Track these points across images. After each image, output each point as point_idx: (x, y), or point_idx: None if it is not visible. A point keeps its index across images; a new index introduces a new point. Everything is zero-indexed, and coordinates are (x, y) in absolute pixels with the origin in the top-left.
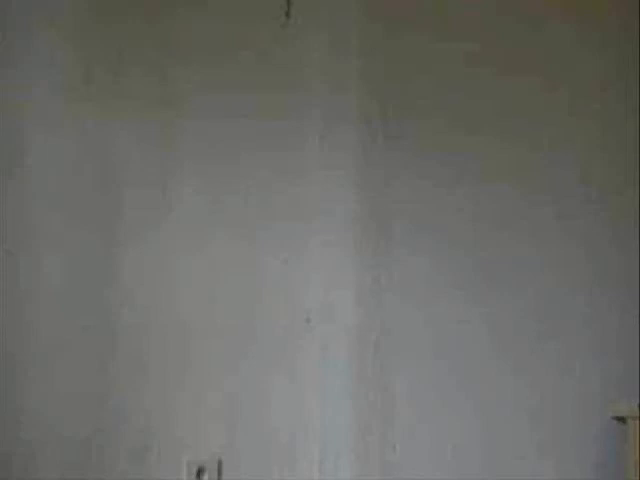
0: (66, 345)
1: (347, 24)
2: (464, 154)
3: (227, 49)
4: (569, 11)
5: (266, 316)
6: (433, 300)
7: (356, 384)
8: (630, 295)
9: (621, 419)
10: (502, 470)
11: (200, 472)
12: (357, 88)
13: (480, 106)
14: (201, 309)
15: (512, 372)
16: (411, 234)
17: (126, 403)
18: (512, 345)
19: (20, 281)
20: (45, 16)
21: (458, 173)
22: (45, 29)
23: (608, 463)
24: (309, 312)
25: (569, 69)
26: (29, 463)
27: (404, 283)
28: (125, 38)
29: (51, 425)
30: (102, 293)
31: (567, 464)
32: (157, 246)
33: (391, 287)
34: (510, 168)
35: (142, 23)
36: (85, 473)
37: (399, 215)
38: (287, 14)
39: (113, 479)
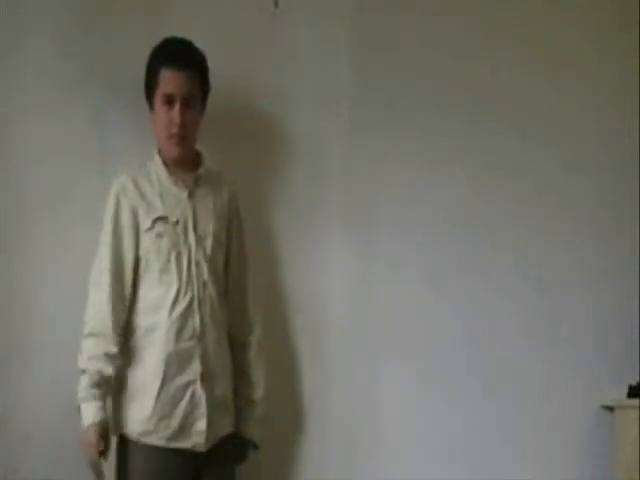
0: None
1: (335, 13)
2: (461, 143)
3: (219, 40)
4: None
5: None
6: (428, 292)
7: (344, 373)
8: (627, 289)
9: (610, 408)
10: (493, 460)
11: None
12: (346, 76)
13: (475, 97)
14: None
15: (500, 361)
16: (405, 225)
17: None
18: (501, 335)
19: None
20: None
21: (455, 161)
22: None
23: (597, 450)
24: None
25: (570, 67)
26: None
27: (396, 276)
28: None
29: None
30: None
31: (556, 451)
32: None
33: (382, 279)
34: (510, 162)
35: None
36: None
37: (390, 207)
38: (276, 4)
39: None
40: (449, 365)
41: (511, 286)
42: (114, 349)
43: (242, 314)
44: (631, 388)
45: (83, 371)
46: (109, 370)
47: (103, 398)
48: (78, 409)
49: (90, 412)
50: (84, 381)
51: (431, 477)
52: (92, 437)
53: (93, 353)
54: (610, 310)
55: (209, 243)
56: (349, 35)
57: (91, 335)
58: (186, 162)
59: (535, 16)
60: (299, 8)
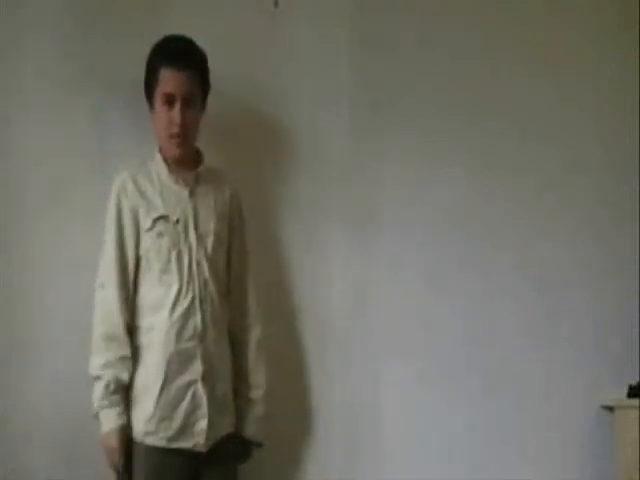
0: None
1: (335, 13)
2: (461, 143)
3: (219, 40)
4: (569, 10)
5: None
6: (428, 292)
7: (344, 373)
8: (627, 289)
9: (610, 408)
10: (493, 460)
11: None
12: (346, 76)
13: (475, 97)
14: None
15: (500, 361)
16: (405, 225)
17: None
18: (501, 335)
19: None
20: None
21: (455, 161)
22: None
23: (597, 450)
24: None
25: (570, 67)
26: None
27: (396, 276)
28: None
29: None
30: None
31: (556, 451)
32: None
33: (382, 279)
34: (510, 162)
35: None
36: None
37: (390, 207)
38: (276, 4)
39: None
40: (449, 365)
41: (511, 286)
42: (127, 352)
43: (242, 312)
44: (631, 388)
45: (97, 377)
46: (125, 375)
47: (121, 403)
48: (95, 416)
49: (110, 418)
50: (100, 389)
51: (431, 477)
52: (114, 442)
53: (107, 359)
54: (610, 310)
55: (210, 242)
56: (349, 35)
57: (103, 339)
58: (187, 161)
59: (535, 16)
60: (299, 8)
